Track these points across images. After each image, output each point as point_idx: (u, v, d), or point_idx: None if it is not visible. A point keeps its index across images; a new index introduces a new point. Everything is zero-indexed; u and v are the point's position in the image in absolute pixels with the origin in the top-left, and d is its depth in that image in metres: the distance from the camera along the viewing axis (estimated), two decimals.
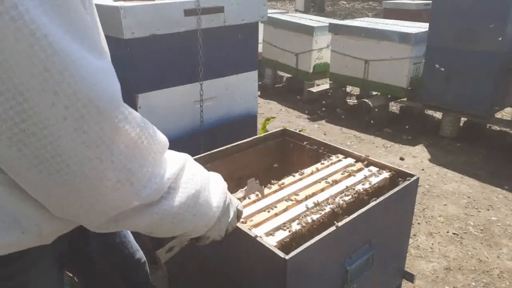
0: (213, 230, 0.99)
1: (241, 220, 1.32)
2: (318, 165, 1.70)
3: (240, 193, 1.28)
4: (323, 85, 5.64)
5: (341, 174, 1.61)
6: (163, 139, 0.85)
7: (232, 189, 1.84)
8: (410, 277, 1.71)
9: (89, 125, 0.64)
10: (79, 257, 1.28)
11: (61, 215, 0.75)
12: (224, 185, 1.05)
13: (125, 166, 0.70)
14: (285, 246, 1.23)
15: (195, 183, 0.90)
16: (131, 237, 1.45)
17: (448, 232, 2.85)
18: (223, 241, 1.03)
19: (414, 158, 3.97)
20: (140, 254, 1.48)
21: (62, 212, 0.74)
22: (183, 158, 0.93)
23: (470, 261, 2.57)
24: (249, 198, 1.44)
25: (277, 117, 5.04)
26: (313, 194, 1.48)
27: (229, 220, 1.05)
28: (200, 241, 1.02)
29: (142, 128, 0.74)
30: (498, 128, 4.53)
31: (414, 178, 1.53)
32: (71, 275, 1.29)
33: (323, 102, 5.50)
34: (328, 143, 1.84)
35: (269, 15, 3.85)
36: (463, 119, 4.44)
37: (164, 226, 0.84)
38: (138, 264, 1.46)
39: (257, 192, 1.40)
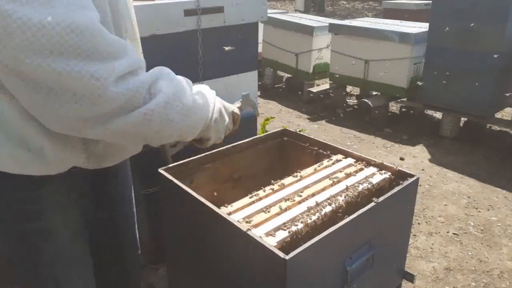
0: (211, 131, 1.07)
1: (241, 220, 1.32)
2: (318, 165, 1.69)
3: (237, 103, 1.34)
4: (323, 85, 5.64)
5: (341, 174, 1.61)
6: (142, 58, 1.00)
7: (232, 189, 1.84)
8: (410, 277, 1.71)
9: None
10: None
11: (48, 122, 0.82)
12: (212, 91, 1.13)
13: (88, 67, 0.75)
14: (285, 246, 1.23)
15: (176, 85, 0.94)
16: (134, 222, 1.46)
17: (448, 232, 2.85)
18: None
19: (414, 158, 3.97)
20: (139, 251, 1.50)
21: (48, 117, 0.81)
22: (158, 69, 0.97)
23: (470, 261, 2.57)
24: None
25: (277, 117, 5.04)
26: (313, 194, 1.48)
27: (226, 122, 1.13)
28: (200, 143, 1.11)
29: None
30: (498, 128, 4.53)
31: (414, 178, 1.53)
32: None
33: (323, 102, 5.50)
34: (328, 143, 1.84)
35: (269, 15, 3.85)
36: (463, 119, 4.44)
37: (154, 127, 0.88)
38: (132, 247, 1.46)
39: (250, 107, 1.45)
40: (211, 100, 1.07)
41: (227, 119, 1.13)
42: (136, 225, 1.46)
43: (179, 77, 1.01)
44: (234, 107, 1.18)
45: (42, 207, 1.01)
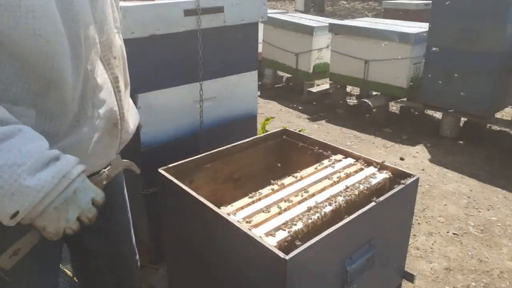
0: (45, 219, 0.80)
1: (241, 220, 1.32)
2: (318, 165, 1.69)
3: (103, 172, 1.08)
4: (323, 85, 5.64)
5: (341, 174, 1.61)
6: None
7: (232, 189, 1.84)
8: (410, 277, 1.71)
9: None
10: (77, 251, 1.28)
11: None
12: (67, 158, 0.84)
13: None
14: (285, 246, 1.23)
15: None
16: (131, 238, 1.45)
17: (448, 232, 2.85)
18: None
19: (414, 158, 3.97)
20: (136, 256, 1.48)
21: None
22: None
23: (470, 261, 2.57)
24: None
25: (277, 117, 5.04)
26: (313, 194, 1.48)
27: (79, 209, 0.86)
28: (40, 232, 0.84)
29: None
30: (498, 128, 4.53)
31: (414, 178, 1.53)
32: (71, 274, 1.29)
33: (323, 102, 5.50)
34: (328, 143, 1.84)
35: (269, 15, 3.85)
36: (463, 119, 4.44)
37: None
38: (132, 266, 1.45)
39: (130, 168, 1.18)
40: (48, 175, 0.78)
41: (82, 203, 0.87)
42: (132, 232, 1.45)
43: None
44: (100, 193, 0.92)
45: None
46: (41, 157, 0.79)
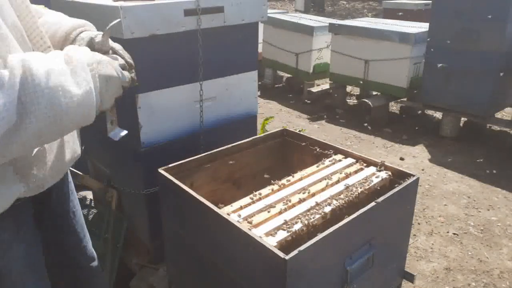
0: (104, 101, 0.98)
1: (241, 220, 1.32)
2: (318, 165, 1.69)
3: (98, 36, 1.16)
4: (323, 85, 5.64)
5: (341, 174, 1.61)
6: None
7: (232, 189, 1.84)
8: (410, 277, 1.71)
9: None
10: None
11: None
12: (83, 57, 0.96)
13: None
14: (285, 246, 1.23)
15: (45, 80, 0.83)
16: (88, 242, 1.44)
17: (448, 232, 2.85)
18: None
19: (414, 158, 3.97)
20: (94, 262, 1.49)
21: None
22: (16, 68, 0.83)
23: (470, 261, 2.57)
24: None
25: (277, 117, 5.04)
26: (313, 194, 1.48)
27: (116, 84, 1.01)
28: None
29: None
30: (498, 128, 4.53)
31: (414, 178, 1.53)
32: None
33: (323, 102, 5.50)
34: (328, 143, 1.84)
35: (269, 15, 3.85)
36: (463, 119, 4.44)
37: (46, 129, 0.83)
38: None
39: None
40: (87, 77, 0.92)
41: (114, 81, 1.01)
42: (85, 238, 1.45)
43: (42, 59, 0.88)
44: (116, 63, 1.06)
45: None
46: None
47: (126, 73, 1.07)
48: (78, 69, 0.90)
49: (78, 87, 0.88)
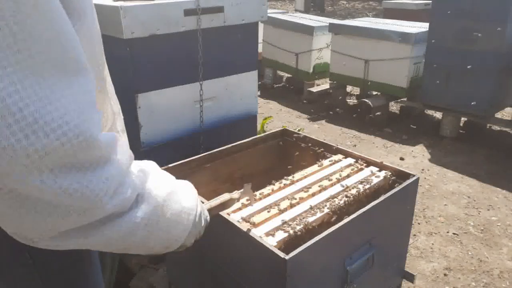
0: (189, 236, 0.96)
1: (241, 219, 1.32)
2: (318, 165, 1.69)
3: (236, 194, 1.24)
4: (323, 85, 5.64)
5: (341, 174, 1.61)
6: (130, 152, 0.82)
7: (232, 189, 1.84)
8: (410, 277, 1.71)
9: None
10: None
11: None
12: (195, 192, 1.02)
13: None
14: (285, 246, 1.23)
15: (164, 190, 0.86)
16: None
17: (448, 232, 2.85)
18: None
19: (414, 158, 3.97)
20: None
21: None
22: (149, 167, 0.88)
23: (470, 261, 2.57)
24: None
25: (277, 117, 5.04)
26: (313, 194, 1.48)
27: (201, 227, 1.02)
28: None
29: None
30: (498, 128, 4.53)
31: (414, 178, 1.53)
32: None
33: (323, 102, 5.50)
34: (328, 143, 1.84)
35: (269, 15, 3.85)
36: (463, 119, 4.44)
37: (136, 238, 0.79)
38: None
39: (247, 197, 1.33)
40: (193, 206, 0.96)
41: (203, 223, 1.03)
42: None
43: (165, 176, 0.92)
44: (207, 213, 1.10)
45: None
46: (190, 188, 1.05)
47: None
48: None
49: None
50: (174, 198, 0.88)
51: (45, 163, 0.59)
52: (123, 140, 0.88)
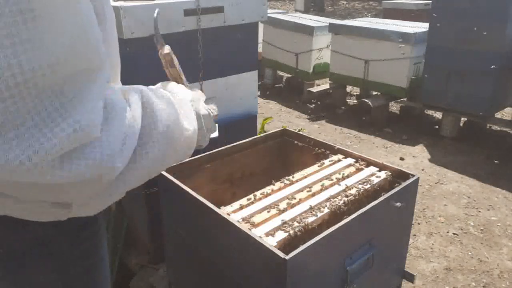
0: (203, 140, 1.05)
1: (241, 220, 1.32)
2: (318, 165, 1.69)
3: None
4: (323, 85, 5.64)
5: (341, 174, 1.61)
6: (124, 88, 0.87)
7: (232, 189, 1.84)
8: (410, 277, 1.71)
9: None
10: None
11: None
12: (189, 97, 1.04)
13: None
14: (285, 246, 1.23)
15: (164, 116, 0.86)
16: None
17: (448, 232, 2.85)
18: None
19: (414, 158, 3.97)
20: None
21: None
22: (138, 96, 0.87)
23: (470, 261, 2.57)
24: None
25: (277, 117, 5.04)
26: (313, 194, 1.48)
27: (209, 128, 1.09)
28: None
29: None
30: (498, 128, 4.53)
31: (414, 178, 1.53)
32: None
33: (323, 102, 5.50)
34: (328, 143, 1.84)
35: (269, 15, 3.85)
36: (463, 119, 4.44)
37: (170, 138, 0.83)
38: None
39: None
40: (194, 118, 0.98)
41: (213, 112, 1.10)
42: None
43: (155, 94, 0.92)
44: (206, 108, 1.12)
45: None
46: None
47: (212, 106, 1.12)
48: (188, 113, 0.94)
49: (188, 130, 0.91)
50: (177, 121, 0.89)
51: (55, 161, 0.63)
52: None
